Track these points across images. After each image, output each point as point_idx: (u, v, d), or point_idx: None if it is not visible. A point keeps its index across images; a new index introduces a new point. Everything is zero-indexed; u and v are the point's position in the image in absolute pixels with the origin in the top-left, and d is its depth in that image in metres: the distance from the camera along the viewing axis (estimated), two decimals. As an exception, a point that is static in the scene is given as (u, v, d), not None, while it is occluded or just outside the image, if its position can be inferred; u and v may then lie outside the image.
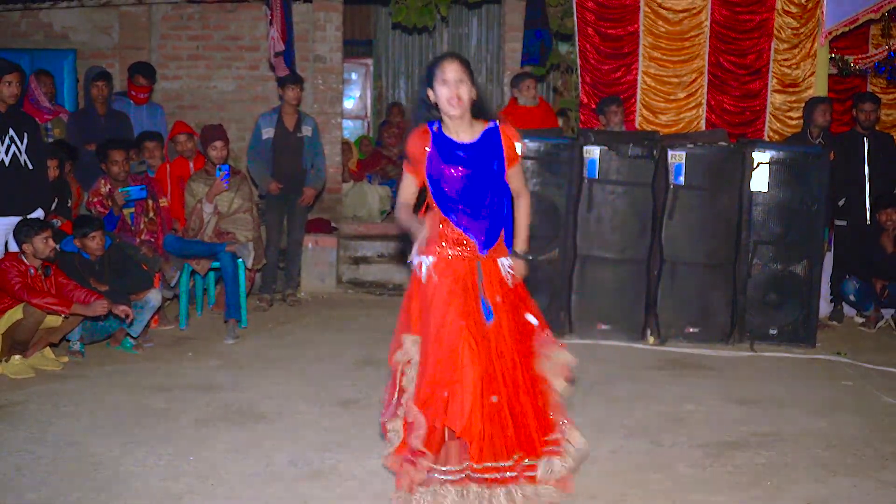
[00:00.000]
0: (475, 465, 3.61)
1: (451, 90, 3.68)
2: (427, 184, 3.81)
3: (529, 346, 3.80)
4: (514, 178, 3.87)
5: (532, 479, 3.69)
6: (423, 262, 3.78)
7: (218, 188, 7.36)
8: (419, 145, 3.79)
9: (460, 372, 3.58)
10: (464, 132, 3.79)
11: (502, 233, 3.84)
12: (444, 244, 3.79)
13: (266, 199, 8.28)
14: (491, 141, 3.79)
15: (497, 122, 3.82)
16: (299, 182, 8.28)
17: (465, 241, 3.77)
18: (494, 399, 3.62)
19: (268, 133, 8.18)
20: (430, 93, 3.76)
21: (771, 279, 7.15)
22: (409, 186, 3.85)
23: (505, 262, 3.81)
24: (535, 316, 3.86)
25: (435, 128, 3.80)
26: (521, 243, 3.90)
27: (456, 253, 3.78)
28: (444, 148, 3.78)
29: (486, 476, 3.63)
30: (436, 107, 3.77)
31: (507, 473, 3.65)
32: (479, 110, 3.81)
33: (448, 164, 3.77)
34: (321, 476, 4.27)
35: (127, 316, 6.16)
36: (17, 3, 10.06)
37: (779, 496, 4.13)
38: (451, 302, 3.68)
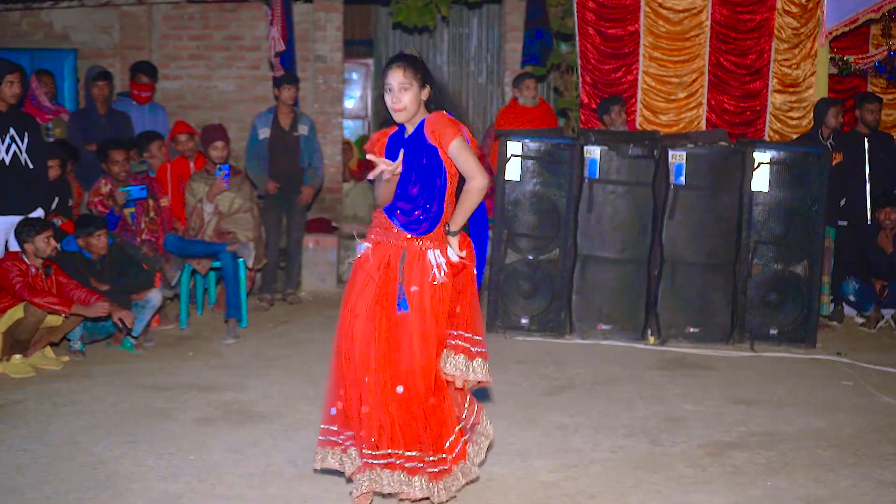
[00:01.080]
0: (373, 452, 3.79)
1: (391, 98, 3.85)
2: None
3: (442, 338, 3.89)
4: (456, 162, 3.85)
5: (435, 476, 3.79)
6: (362, 246, 3.98)
7: (218, 188, 7.37)
8: (377, 143, 4.04)
9: (365, 368, 3.82)
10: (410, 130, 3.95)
11: (439, 225, 3.90)
12: (377, 230, 3.96)
13: (264, 199, 8.28)
14: (419, 135, 3.87)
15: (427, 116, 3.89)
16: (297, 181, 8.28)
17: (394, 229, 3.90)
18: (400, 390, 3.78)
19: (264, 133, 8.18)
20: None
21: (771, 279, 7.16)
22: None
23: (436, 253, 3.86)
24: (462, 316, 3.94)
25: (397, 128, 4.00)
26: (451, 219, 3.90)
27: (384, 239, 3.92)
28: (394, 144, 3.97)
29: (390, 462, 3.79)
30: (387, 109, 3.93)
31: (409, 463, 3.78)
32: (437, 106, 3.93)
33: (395, 154, 3.93)
34: (321, 476, 4.22)
35: (125, 321, 6.17)
36: (18, 2, 10.05)
37: (778, 496, 4.13)
38: (367, 285, 3.86)
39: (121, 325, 6.23)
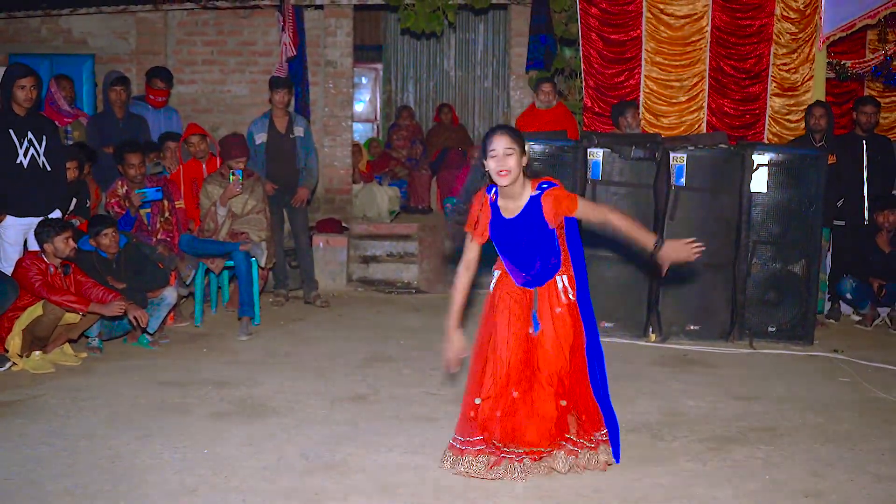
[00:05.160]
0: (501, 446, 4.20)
1: (496, 162, 4.05)
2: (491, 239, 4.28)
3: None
4: (585, 216, 4.19)
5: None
6: (493, 276, 4.37)
7: (231, 192, 7.41)
8: (481, 212, 4.23)
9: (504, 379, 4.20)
10: (513, 201, 4.15)
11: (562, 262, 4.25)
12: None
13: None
14: (532, 210, 4.12)
15: (542, 190, 4.12)
16: (295, 183, 8.28)
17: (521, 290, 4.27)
18: (515, 394, 4.17)
19: (261, 138, 8.20)
20: (486, 163, 4.11)
21: (770, 278, 7.19)
22: (470, 249, 4.30)
23: (562, 280, 4.23)
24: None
25: (492, 194, 4.21)
26: (647, 237, 4.17)
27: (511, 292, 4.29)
28: (497, 218, 4.21)
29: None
30: (487, 172, 4.14)
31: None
32: (533, 172, 4.22)
33: (499, 233, 4.21)
34: (332, 469, 4.29)
35: (139, 320, 6.22)
36: (38, 9, 10.16)
37: (777, 490, 4.15)
38: (507, 316, 4.24)
39: (136, 324, 6.30)
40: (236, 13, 10.45)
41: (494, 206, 4.20)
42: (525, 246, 4.17)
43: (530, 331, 4.19)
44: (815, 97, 8.56)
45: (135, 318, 6.20)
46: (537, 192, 4.12)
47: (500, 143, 4.05)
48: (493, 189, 4.20)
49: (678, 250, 4.10)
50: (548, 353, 4.17)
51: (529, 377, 4.18)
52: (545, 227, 4.14)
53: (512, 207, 4.17)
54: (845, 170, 8.00)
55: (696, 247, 4.08)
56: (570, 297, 4.23)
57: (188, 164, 8.00)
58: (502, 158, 4.04)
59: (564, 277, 4.23)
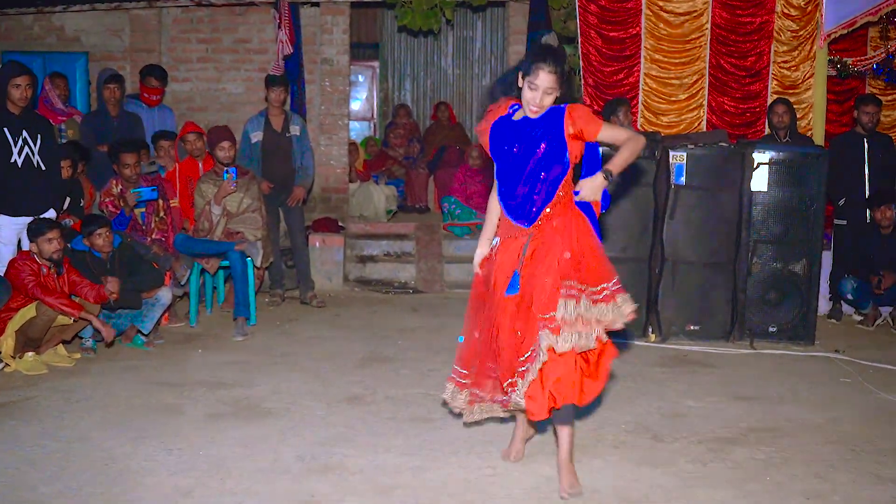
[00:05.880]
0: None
1: (535, 96, 3.88)
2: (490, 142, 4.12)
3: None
4: (606, 136, 3.97)
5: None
6: (495, 243, 4.19)
7: (225, 191, 7.40)
8: (487, 121, 4.10)
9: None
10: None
11: (558, 195, 3.98)
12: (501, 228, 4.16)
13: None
14: (551, 118, 3.94)
15: (564, 104, 3.95)
16: (291, 182, 8.29)
17: (516, 227, 4.06)
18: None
19: (256, 137, 8.20)
20: (519, 78, 3.93)
21: (770, 278, 7.20)
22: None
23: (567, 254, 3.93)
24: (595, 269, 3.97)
25: (511, 109, 4.05)
26: (611, 163, 3.96)
27: (509, 235, 4.08)
28: (504, 127, 4.04)
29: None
30: (519, 88, 3.96)
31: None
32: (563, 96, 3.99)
33: (502, 143, 4.03)
34: (328, 470, 4.28)
35: (104, 336, 6.20)
36: (31, 6, 10.15)
37: (778, 491, 4.16)
38: (495, 287, 4.06)
39: (103, 336, 6.23)
40: (231, 10, 10.46)
41: (506, 116, 4.08)
42: (527, 149, 3.99)
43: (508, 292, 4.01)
44: (817, 95, 8.60)
45: (104, 333, 6.19)
46: (560, 106, 3.96)
47: (547, 81, 3.86)
48: (515, 107, 4.07)
49: (589, 187, 3.94)
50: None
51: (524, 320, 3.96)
52: (560, 136, 3.94)
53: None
54: (846, 169, 8.01)
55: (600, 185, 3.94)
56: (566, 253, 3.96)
57: (185, 162, 8.00)
58: (542, 96, 3.89)
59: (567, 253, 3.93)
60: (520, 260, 3.99)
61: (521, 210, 4.03)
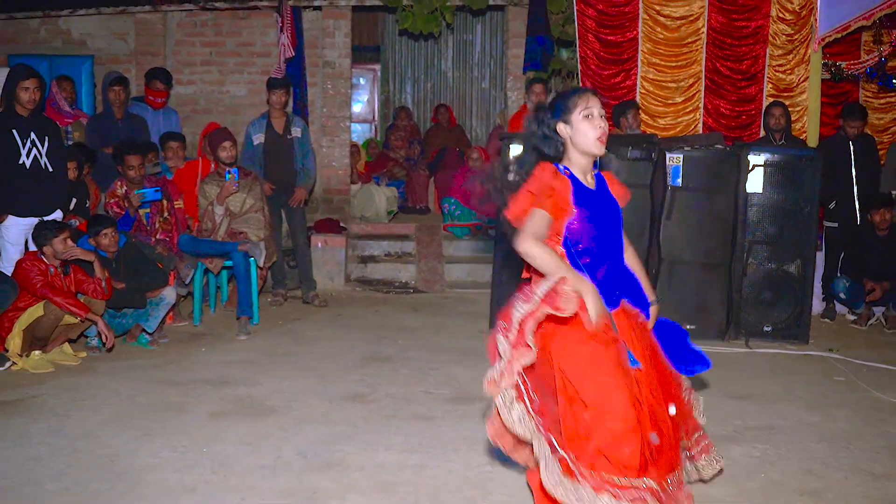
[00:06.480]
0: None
1: (597, 126, 3.24)
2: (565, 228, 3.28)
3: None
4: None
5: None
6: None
7: (227, 191, 7.44)
8: (562, 191, 3.22)
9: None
10: (585, 176, 3.35)
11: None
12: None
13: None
14: (603, 187, 3.42)
15: (598, 169, 3.46)
16: (293, 183, 8.31)
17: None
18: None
19: (258, 139, 8.22)
20: (561, 127, 3.29)
21: (765, 278, 7.23)
22: (542, 220, 3.17)
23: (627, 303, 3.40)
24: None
25: (564, 170, 3.29)
26: (650, 290, 3.53)
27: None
28: (582, 194, 3.29)
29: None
30: (562, 143, 3.31)
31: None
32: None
33: (588, 206, 3.29)
34: (330, 467, 4.30)
35: (105, 338, 6.22)
36: (38, 10, 10.19)
37: (773, 488, 4.18)
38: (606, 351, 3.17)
39: (104, 339, 6.25)
40: (235, 14, 10.48)
41: (573, 178, 3.29)
42: (606, 226, 3.32)
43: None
44: (811, 98, 8.63)
45: (102, 331, 6.22)
46: (596, 171, 3.41)
47: (597, 104, 3.25)
48: (562, 165, 3.33)
49: (655, 315, 3.51)
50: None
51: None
52: (616, 210, 3.39)
53: (589, 181, 3.36)
54: (835, 172, 8.05)
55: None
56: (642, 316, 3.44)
57: (192, 163, 8.02)
58: (601, 121, 3.24)
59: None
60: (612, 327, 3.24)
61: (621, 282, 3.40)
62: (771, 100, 8.66)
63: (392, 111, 13.53)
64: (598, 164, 3.48)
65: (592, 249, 3.27)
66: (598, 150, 3.26)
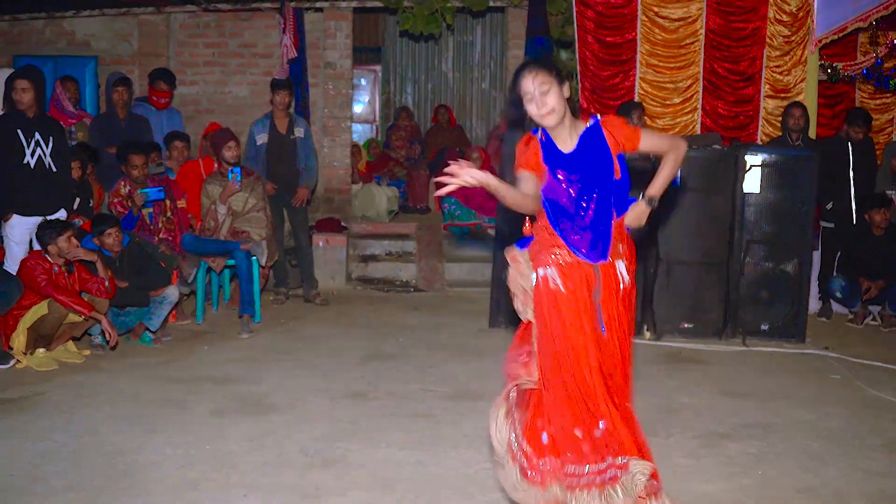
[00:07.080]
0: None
1: (536, 104, 3.40)
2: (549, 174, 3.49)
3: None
4: (647, 147, 3.51)
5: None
6: (546, 274, 3.48)
7: (230, 190, 7.45)
8: (532, 153, 3.49)
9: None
10: (564, 139, 3.49)
11: (615, 235, 3.50)
12: (556, 253, 3.49)
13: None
14: (592, 140, 3.47)
15: (596, 119, 3.51)
16: (295, 183, 8.33)
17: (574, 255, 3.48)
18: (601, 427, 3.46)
19: (262, 139, 8.25)
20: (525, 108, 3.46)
21: (763, 277, 7.24)
22: (527, 180, 3.45)
23: (621, 265, 3.53)
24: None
25: (541, 135, 3.50)
26: (652, 187, 3.54)
27: (570, 260, 3.47)
28: (552, 156, 3.48)
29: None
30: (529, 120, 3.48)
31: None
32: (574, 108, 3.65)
33: (554, 174, 3.47)
34: (331, 465, 4.33)
35: (109, 336, 6.24)
36: (42, 12, 10.23)
37: (770, 485, 4.19)
38: (574, 321, 3.44)
39: (108, 337, 6.27)
40: (237, 16, 10.50)
41: (547, 141, 3.49)
42: (587, 185, 3.43)
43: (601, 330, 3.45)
44: (808, 99, 8.64)
45: (105, 328, 6.25)
46: (592, 121, 3.49)
47: (533, 82, 3.36)
48: (540, 129, 3.50)
49: (635, 215, 3.52)
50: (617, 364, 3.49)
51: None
52: (609, 161, 3.44)
53: (569, 143, 3.49)
54: (833, 172, 8.09)
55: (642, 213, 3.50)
56: (627, 282, 3.54)
57: (205, 160, 8.05)
58: (540, 98, 3.37)
59: (622, 262, 3.52)
60: (595, 295, 3.46)
61: (594, 239, 3.49)
62: (770, 101, 8.73)
63: (393, 111, 13.56)
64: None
65: (568, 207, 3.47)
66: (549, 122, 3.43)
